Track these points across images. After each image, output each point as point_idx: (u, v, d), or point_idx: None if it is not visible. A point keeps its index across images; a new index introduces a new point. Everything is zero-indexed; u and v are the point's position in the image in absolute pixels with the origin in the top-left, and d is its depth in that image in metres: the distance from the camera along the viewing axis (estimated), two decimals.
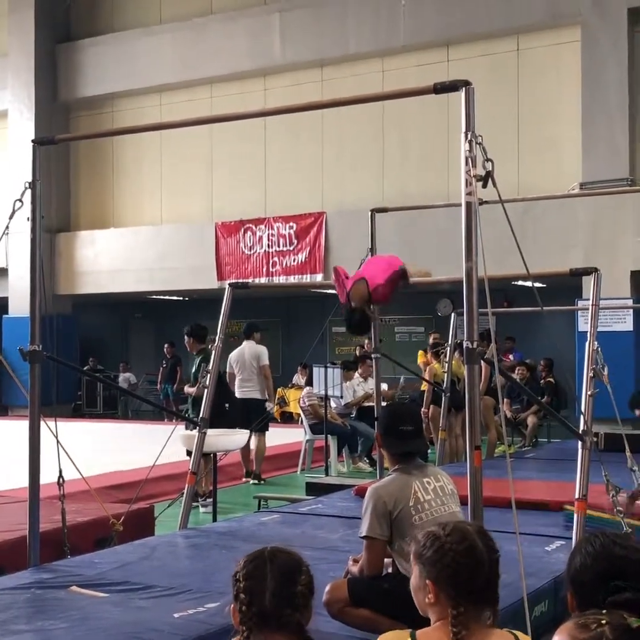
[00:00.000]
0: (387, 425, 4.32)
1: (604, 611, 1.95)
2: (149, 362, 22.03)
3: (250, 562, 2.47)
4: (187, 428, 9.10)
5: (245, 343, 11.24)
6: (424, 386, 12.38)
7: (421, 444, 4.41)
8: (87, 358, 20.60)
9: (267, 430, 11.02)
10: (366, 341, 14.93)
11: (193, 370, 9.73)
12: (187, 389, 9.78)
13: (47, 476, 5.76)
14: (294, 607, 2.40)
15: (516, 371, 13.29)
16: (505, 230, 4.59)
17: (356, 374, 12.49)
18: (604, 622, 1.87)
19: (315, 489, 9.12)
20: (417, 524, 3.90)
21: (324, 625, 4.06)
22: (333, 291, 6.18)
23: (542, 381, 14.43)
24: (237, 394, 11.12)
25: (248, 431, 9.88)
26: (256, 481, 11.03)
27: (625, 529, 5.20)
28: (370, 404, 11.67)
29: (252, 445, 10.82)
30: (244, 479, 11.17)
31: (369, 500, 4.11)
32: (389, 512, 4.03)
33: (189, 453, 8.49)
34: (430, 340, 13.58)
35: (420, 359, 13.29)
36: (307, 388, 12.73)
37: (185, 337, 9.92)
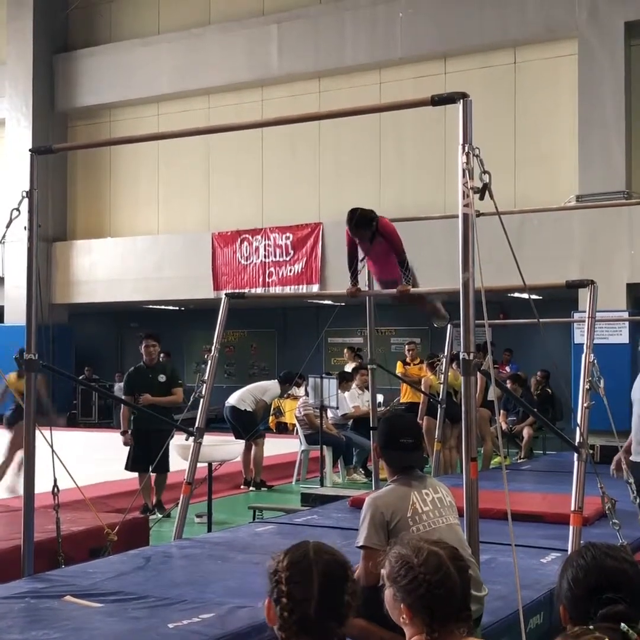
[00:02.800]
0: (387, 438, 4.28)
1: (591, 627, 1.93)
2: None
3: (294, 564, 2.32)
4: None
5: (276, 380, 12.00)
6: (409, 397, 12.41)
7: (420, 457, 4.40)
8: (83, 367, 20.57)
9: (260, 437, 11.09)
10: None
11: (162, 378, 9.23)
12: (157, 399, 9.13)
13: (42, 485, 5.75)
14: (340, 620, 2.29)
15: (506, 385, 13.30)
16: (501, 242, 4.59)
17: (353, 385, 12.48)
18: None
19: (310, 500, 9.13)
20: (415, 535, 3.90)
21: None
22: (328, 302, 6.21)
23: (537, 393, 14.46)
24: (231, 403, 11.36)
25: (242, 441, 9.93)
26: (261, 488, 11.10)
27: (620, 541, 5.20)
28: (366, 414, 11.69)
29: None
30: (242, 487, 11.20)
31: (366, 510, 4.10)
32: (387, 523, 4.01)
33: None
34: (406, 351, 13.74)
35: (399, 370, 13.33)
36: (303, 398, 12.74)
37: (154, 344, 9.41)
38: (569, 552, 5.26)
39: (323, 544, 2.44)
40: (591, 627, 1.94)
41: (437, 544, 2.63)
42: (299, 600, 2.26)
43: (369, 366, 8.96)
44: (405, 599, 2.46)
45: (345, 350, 15.86)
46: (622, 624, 1.89)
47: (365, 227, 6.37)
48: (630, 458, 6.03)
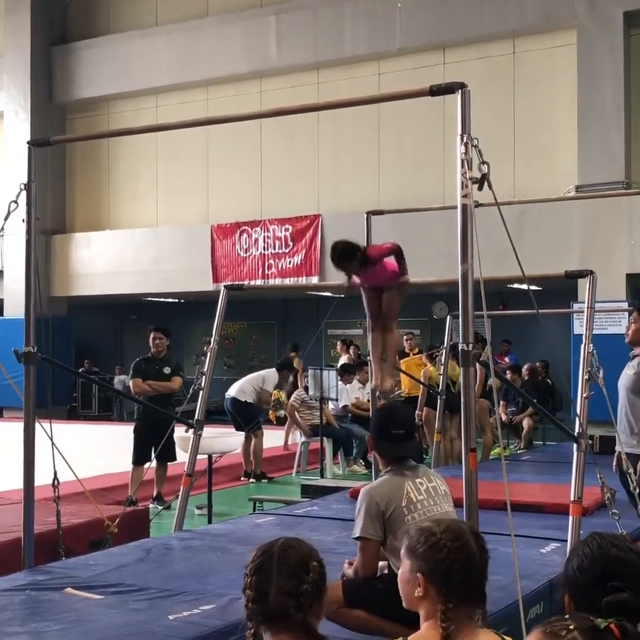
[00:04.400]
0: (379, 429, 4.33)
1: (567, 616, 1.94)
2: None
3: (260, 556, 2.43)
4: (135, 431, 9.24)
5: (273, 369, 11.99)
6: (410, 389, 12.41)
7: (412, 448, 4.42)
8: (83, 360, 20.57)
9: (259, 429, 11.09)
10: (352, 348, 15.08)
11: (167, 371, 9.40)
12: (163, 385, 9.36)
13: (42, 478, 5.76)
14: (299, 606, 2.35)
15: (506, 375, 13.30)
16: (500, 233, 4.59)
17: (355, 379, 12.50)
18: (572, 627, 1.86)
19: (310, 491, 9.14)
20: (410, 524, 3.90)
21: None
22: (328, 294, 6.17)
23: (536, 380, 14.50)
24: (231, 394, 11.36)
25: (242, 433, 9.93)
26: (261, 480, 11.11)
27: (620, 530, 5.20)
28: (366, 407, 11.71)
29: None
30: (242, 479, 11.21)
31: (361, 501, 4.12)
32: (382, 513, 4.04)
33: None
34: (405, 342, 13.78)
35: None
36: (297, 391, 12.74)
37: (161, 337, 9.54)
38: (568, 542, 5.28)
39: (296, 539, 2.52)
40: (566, 616, 1.95)
41: (458, 521, 2.72)
42: (261, 591, 2.37)
43: (368, 358, 8.95)
44: (423, 566, 2.46)
45: (338, 343, 15.92)
46: (599, 619, 1.90)
47: (350, 258, 6.08)
48: (618, 448, 6.00)
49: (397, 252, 6.16)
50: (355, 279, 6.45)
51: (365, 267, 6.02)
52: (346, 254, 5.96)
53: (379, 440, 4.31)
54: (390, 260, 6.29)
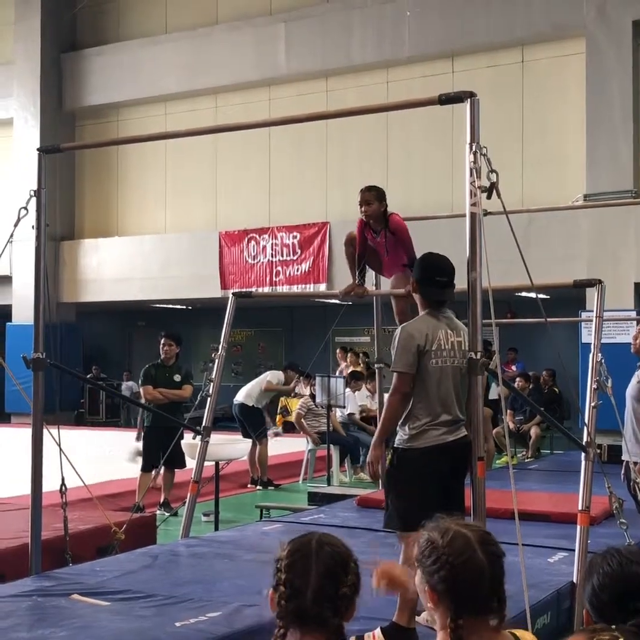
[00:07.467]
0: (425, 274, 4.63)
1: (613, 626, 1.92)
2: None
3: (295, 552, 2.34)
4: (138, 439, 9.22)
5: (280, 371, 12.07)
6: None
7: (453, 294, 4.70)
8: (91, 366, 20.60)
9: (265, 436, 11.08)
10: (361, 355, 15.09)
11: (177, 378, 9.35)
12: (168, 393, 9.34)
13: (50, 484, 5.76)
14: (336, 610, 2.27)
15: (515, 382, 13.27)
16: (509, 242, 4.59)
17: (364, 387, 12.51)
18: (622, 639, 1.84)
19: (317, 499, 9.12)
20: (432, 368, 4.42)
21: None
22: (335, 301, 6.16)
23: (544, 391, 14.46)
24: (239, 399, 11.37)
25: (250, 440, 9.93)
26: (268, 487, 11.10)
27: (628, 540, 5.19)
28: (373, 414, 11.70)
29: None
30: (249, 486, 11.21)
31: (400, 339, 4.48)
32: (420, 346, 4.43)
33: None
34: None
35: None
36: (304, 398, 12.72)
37: (171, 343, 9.47)
38: (576, 552, 5.26)
39: (330, 536, 2.43)
40: (613, 626, 1.91)
41: (467, 526, 2.50)
42: (296, 589, 2.26)
43: (376, 365, 8.95)
44: (429, 581, 2.37)
45: (338, 350, 15.95)
46: None
47: (377, 198, 6.09)
48: (624, 457, 5.98)
49: (411, 256, 6.18)
50: (360, 289, 6.42)
51: (384, 234, 6.05)
52: (380, 191, 6.09)
53: (424, 286, 4.63)
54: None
